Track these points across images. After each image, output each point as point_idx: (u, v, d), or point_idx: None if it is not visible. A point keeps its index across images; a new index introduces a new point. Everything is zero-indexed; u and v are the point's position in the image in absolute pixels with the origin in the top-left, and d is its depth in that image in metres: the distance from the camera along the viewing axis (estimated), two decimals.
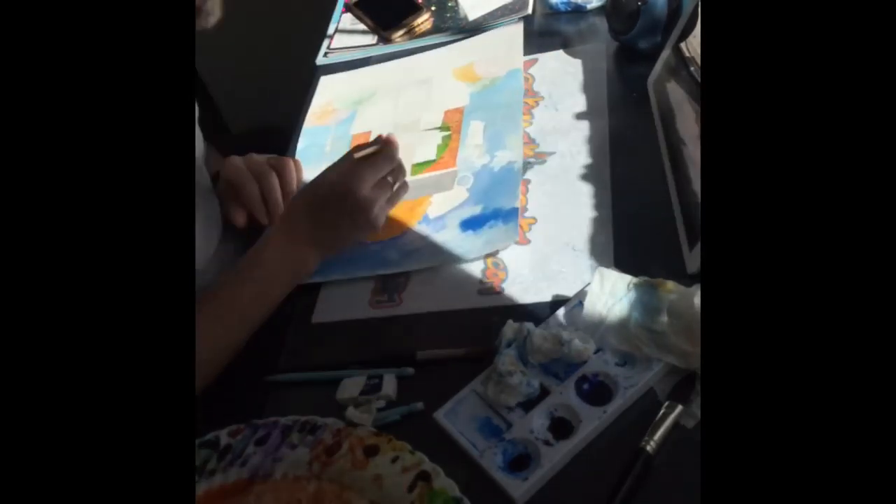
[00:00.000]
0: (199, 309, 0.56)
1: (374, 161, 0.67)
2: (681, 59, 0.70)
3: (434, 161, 0.78)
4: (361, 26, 1.03)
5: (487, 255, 0.67)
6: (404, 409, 0.56)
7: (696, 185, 0.61)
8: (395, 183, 0.69)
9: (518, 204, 0.69)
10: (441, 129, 0.82)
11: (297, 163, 0.79)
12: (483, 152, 0.77)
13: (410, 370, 0.59)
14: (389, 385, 0.58)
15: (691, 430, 0.50)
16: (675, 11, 0.76)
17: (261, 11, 1.57)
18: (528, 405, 0.54)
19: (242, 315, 0.64)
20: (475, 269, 0.67)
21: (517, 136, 0.77)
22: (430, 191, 0.75)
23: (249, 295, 0.65)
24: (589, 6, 0.90)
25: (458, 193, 0.74)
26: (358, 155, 0.67)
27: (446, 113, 0.84)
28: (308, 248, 0.67)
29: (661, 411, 0.51)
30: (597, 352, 0.55)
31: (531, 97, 0.83)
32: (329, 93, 0.95)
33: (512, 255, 0.66)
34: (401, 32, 0.98)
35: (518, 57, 0.86)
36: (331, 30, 1.05)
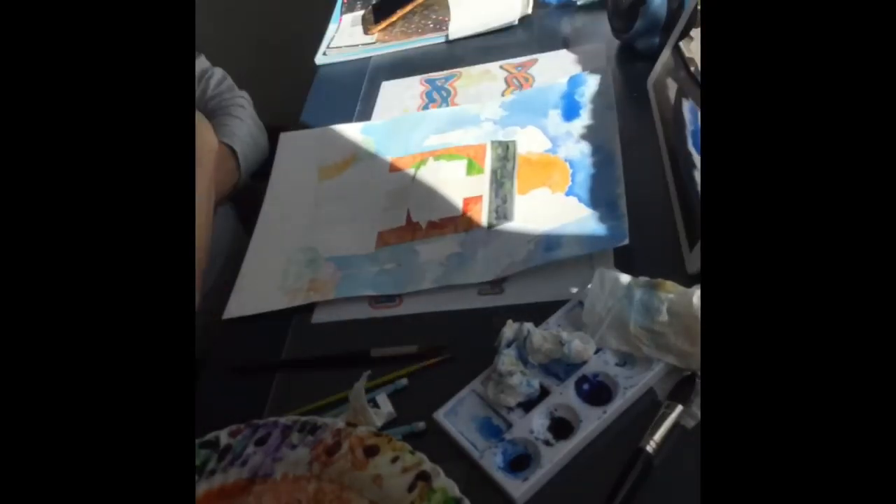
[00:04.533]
0: None
1: None
2: (681, 59, 0.70)
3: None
4: (361, 26, 1.03)
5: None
6: (406, 428, 0.55)
7: (697, 185, 0.61)
8: None
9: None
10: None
11: None
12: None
13: (404, 382, 0.59)
14: (385, 405, 0.57)
15: (691, 430, 0.50)
16: (675, 11, 0.76)
17: (261, 11, 1.57)
18: (528, 405, 0.54)
19: None
20: None
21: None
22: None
23: None
24: (580, 2, 0.91)
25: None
26: None
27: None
28: None
29: (661, 411, 0.51)
30: (597, 352, 0.55)
31: None
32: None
33: None
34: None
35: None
36: (330, 29, 1.05)
